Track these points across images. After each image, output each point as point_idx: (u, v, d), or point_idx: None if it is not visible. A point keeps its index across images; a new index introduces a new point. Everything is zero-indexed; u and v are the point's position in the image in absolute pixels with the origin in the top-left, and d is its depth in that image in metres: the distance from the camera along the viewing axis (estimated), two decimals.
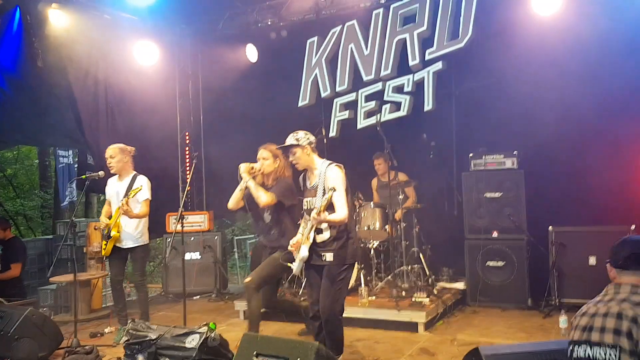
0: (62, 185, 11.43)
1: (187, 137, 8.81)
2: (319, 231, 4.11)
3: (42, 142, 10.57)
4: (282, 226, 4.81)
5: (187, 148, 8.78)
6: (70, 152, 11.21)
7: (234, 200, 4.88)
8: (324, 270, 4.13)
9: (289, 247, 4.29)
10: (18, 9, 6.73)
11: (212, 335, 3.99)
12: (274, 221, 4.85)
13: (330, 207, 3.97)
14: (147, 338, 4.09)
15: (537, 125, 6.09)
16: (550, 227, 6.00)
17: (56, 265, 7.03)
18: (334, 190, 3.91)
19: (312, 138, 4.28)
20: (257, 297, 4.79)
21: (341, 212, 4.00)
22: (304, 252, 4.12)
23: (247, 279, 4.85)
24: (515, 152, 6.26)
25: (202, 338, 3.95)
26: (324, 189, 4.05)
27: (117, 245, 5.60)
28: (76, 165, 11.47)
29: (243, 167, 4.74)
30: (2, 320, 4.97)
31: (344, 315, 4.29)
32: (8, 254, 7.06)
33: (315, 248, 4.12)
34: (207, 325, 4.11)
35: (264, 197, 4.64)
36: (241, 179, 4.75)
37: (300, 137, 4.21)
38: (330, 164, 4.21)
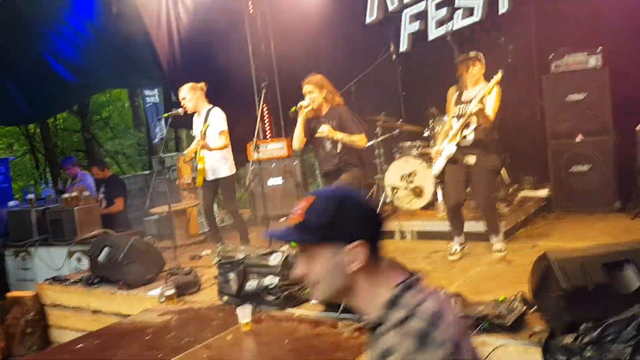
0: (152, 123, 12.08)
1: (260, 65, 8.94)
2: (463, 136, 4.64)
3: (128, 84, 11.16)
4: (343, 150, 4.92)
5: (260, 76, 8.92)
6: (156, 90, 11.74)
7: (298, 140, 5.05)
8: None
9: (432, 153, 4.91)
10: None
11: (293, 252, 4.26)
12: (335, 147, 4.95)
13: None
14: (236, 258, 4.42)
15: (622, 21, 5.62)
16: (638, 127, 5.67)
17: (153, 199, 7.60)
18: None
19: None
20: None
21: (489, 111, 4.58)
22: (450, 149, 4.64)
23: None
24: (599, 49, 5.86)
25: (284, 256, 4.23)
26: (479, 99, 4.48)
27: (205, 178, 5.92)
28: (162, 104, 12.03)
29: (302, 106, 4.89)
30: (112, 249, 5.55)
31: (422, 229, 5.04)
32: (110, 191, 7.72)
33: (460, 148, 4.69)
34: (289, 244, 4.37)
35: (361, 142, 4.92)
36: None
37: (481, 56, 4.86)
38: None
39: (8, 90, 7.68)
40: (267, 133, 8.84)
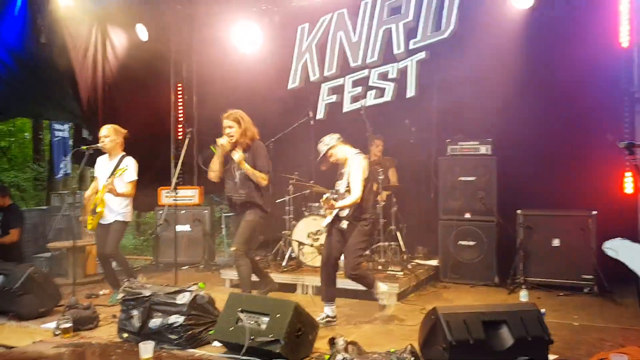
0: (57, 158, 11.73)
1: (183, 115, 9.16)
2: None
3: (41, 115, 10.84)
4: (251, 185, 5.25)
5: (179, 125, 9.13)
6: (66, 126, 11.50)
7: (215, 174, 5.39)
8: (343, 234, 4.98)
9: (321, 201, 5.01)
10: None
11: (201, 293, 4.41)
12: (243, 180, 5.27)
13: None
14: (142, 295, 4.48)
15: (511, 115, 6.53)
16: (518, 211, 6.42)
17: (51, 235, 7.38)
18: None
19: (337, 135, 5.11)
20: (245, 261, 5.23)
21: (355, 194, 4.84)
22: (327, 221, 5.07)
23: (233, 247, 5.30)
24: (490, 139, 6.68)
25: (193, 295, 4.35)
26: (347, 175, 4.89)
27: (102, 221, 5.87)
28: (71, 139, 11.76)
29: (221, 144, 5.24)
30: (6, 278, 5.35)
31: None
32: (7, 220, 7.40)
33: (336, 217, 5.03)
34: (197, 284, 4.52)
35: (263, 181, 5.27)
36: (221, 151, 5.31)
37: (328, 141, 5.04)
38: (356, 153, 5.01)
39: None
40: (180, 180, 8.92)
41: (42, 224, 9.50)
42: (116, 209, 5.87)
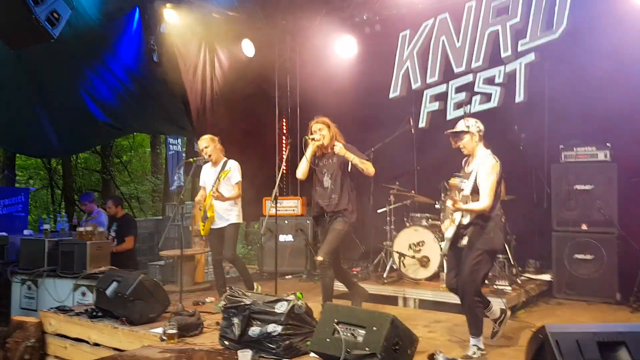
0: (172, 171, 12.42)
1: (285, 126, 9.35)
2: (463, 214, 4.28)
3: (155, 130, 11.60)
4: (342, 191, 5.12)
5: (284, 137, 9.31)
6: (179, 140, 12.16)
7: (302, 170, 5.28)
8: (462, 253, 4.32)
9: (448, 183, 4.48)
10: (137, 8, 7.53)
11: (299, 303, 4.39)
12: (334, 185, 5.15)
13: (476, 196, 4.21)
14: (242, 303, 4.55)
15: (632, 118, 5.96)
16: None
17: (165, 243, 7.78)
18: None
19: (482, 127, 4.45)
20: (331, 274, 5.13)
21: (483, 201, 4.18)
22: (450, 232, 4.33)
23: (319, 258, 5.11)
24: (608, 144, 6.15)
25: (290, 305, 4.35)
26: (475, 175, 4.26)
27: (213, 226, 6.12)
28: (184, 153, 12.42)
29: (313, 139, 5.23)
30: (119, 284, 5.66)
31: (426, 298, 4.72)
32: (122, 229, 7.90)
33: (458, 230, 4.31)
34: (295, 294, 4.51)
35: (370, 168, 5.12)
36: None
37: (471, 125, 4.41)
38: (489, 154, 4.38)
39: (43, 124, 8.05)
40: (284, 190, 9.13)
41: (158, 233, 10.08)
42: (226, 212, 6.07)
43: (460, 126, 4.44)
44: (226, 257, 6.16)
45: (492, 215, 4.29)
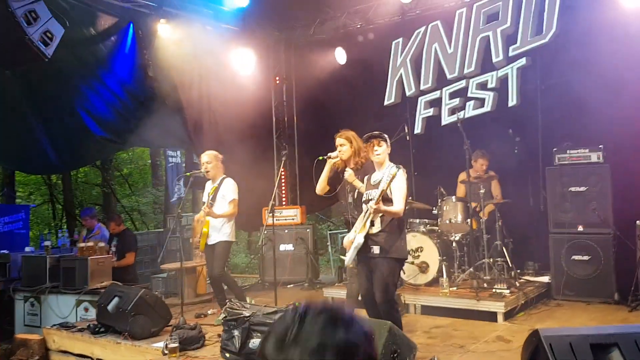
0: (171, 183, 12.47)
1: (282, 136, 9.42)
2: (371, 223, 4.45)
3: (152, 144, 11.66)
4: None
5: (282, 147, 9.37)
6: (178, 152, 12.22)
7: (321, 187, 5.34)
8: (373, 262, 4.49)
9: (345, 243, 4.66)
10: (131, 24, 7.60)
11: None
12: (359, 201, 5.14)
13: (388, 203, 4.39)
14: (242, 315, 4.60)
15: (623, 119, 6.01)
16: (638, 222, 5.89)
17: (166, 255, 7.82)
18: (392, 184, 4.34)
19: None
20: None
21: (398, 205, 4.40)
22: (359, 239, 4.45)
23: (350, 264, 5.18)
24: (600, 146, 6.20)
25: None
26: (385, 184, 4.37)
27: (208, 242, 6.16)
28: (184, 165, 12.48)
29: (329, 157, 5.25)
30: (121, 299, 5.71)
31: (426, 304, 5.02)
32: (122, 245, 7.93)
33: (367, 239, 4.46)
34: (294, 304, 4.56)
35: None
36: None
37: (386, 136, 4.63)
38: (397, 165, 4.53)
39: (40, 140, 8.09)
40: (283, 200, 9.17)
41: (160, 245, 10.10)
42: (219, 229, 6.12)
43: (376, 135, 4.63)
44: (213, 274, 6.17)
45: (403, 224, 4.60)
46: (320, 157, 5.32)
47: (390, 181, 4.30)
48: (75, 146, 8.59)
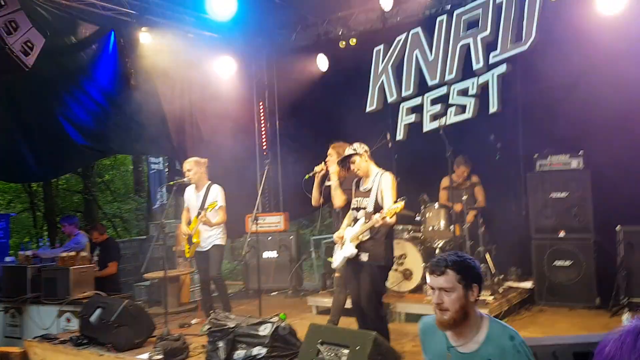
0: (154, 190, 12.39)
1: (265, 143, 9.41)
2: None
3: (135, 151, 11.56)
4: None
5: (264, 153, 9.37)
6: (161, 159, 12.15)
7: (315, 200, 5.55)
8: (361, 269, 4.57)
9: (334, 238, 4.76)
10: (113, 32, 7.55)
11: (283, 324, 4.44)
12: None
13: (377, 210, 4.47)
14: (226, 326, 4.58)
15: (603, 126, 6.10)
16: (618, 227, 5.99)
17: (149, 264, 7.76)
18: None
19: (366, 147, 4.73)
20: (344, 291, 5.24)
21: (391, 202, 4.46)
22: (351, 250, 4.54)
23: (337, 274, 5.36)
24: (580, 152, 6.29)
25: (274, 327, 4.40)
26: (377, 192, 4.52)
27: (198, 249, 6.22)
28: (166, 171, 12.41)
29: (315, 171, 5.44)
30: (104, 311, 5.65)
31: (410, 311, 5.18)
32: (105, 254, 7.85)
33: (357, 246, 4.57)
34: (278, 315, 4.56)
35: (337, 200, 5.20)
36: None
37: (356, 147, 4.67)
38: (384, 171, 4.67)
39: (20, 149, 7.97)
40: (267, 206, 9.16)
41: (142, 253, 10.01)
42: (211, 236, 6.18)
43: (348, 151, 4.71)
44: (211, 275, 6.28)
45: (392, 232, 4.67)
46: (307, 176, 5.51)
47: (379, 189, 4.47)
48: (56, 155, 8.46)
